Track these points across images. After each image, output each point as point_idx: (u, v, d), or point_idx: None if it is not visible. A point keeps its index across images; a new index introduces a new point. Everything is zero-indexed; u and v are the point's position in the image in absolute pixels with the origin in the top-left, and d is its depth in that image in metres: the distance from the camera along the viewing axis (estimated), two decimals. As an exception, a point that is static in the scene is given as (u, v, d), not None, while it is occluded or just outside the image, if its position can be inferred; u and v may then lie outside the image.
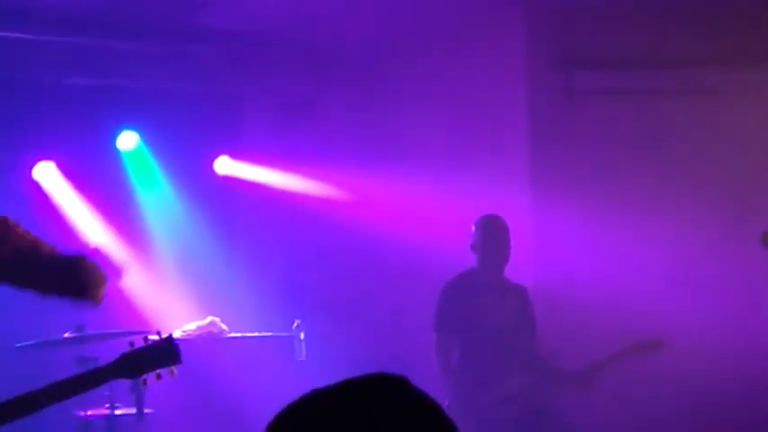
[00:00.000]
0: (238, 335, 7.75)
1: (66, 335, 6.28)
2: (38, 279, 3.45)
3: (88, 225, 8.45)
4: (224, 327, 7.71)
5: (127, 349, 3.43)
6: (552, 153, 8.15)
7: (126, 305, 8.10)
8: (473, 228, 6.96)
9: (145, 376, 3.48)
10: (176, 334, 7.51)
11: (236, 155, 8.99)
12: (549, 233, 8.01)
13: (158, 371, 3.49)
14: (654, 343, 6.88)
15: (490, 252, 6.89)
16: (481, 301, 6.83)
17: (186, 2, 7.50)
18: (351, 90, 8.70)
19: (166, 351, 3.50)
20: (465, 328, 6.79)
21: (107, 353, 6.48)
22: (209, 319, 7.72)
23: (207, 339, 7.52)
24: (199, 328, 7.64)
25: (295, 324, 7.66)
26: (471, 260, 7.02)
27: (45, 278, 3.45)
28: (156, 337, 3.81)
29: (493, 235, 6.89)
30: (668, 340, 6.93)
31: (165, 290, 8.41)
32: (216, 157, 8.97)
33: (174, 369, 3.50)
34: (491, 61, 8.22)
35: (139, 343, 3.45)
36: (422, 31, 8.20)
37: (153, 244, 8.61)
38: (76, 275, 3.52)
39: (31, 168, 8.35)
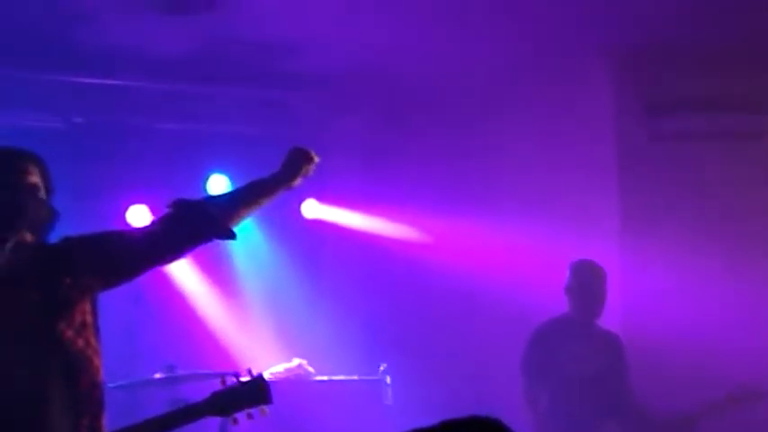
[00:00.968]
0: (325, 378, 7.77)
1: (157, 375, 6.37)
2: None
3: (177, 267, 8.59)
4: (311, 369, 7.74)
5: (219, 387, 3.46)
6: (640, 198, 8.05)
7: (215, 346, 8.22)
8: (568, 272, 6.86)
9: (236, 415, 3.51)
10: (264, 376, 7.59)
11: (322, 198, 9.07)
12: (637, 279, 7.90)
13: (249, 410, 3.52)
14: (753, 394, 6.67)
15: (586, 298, 6.77)
16: (573, 347, 6.71)
17: (274, 48, 7.63)
18: (435, 134, 8.72)
19: (258, 390, 3.53)
20: (555, 375, 6.68)
21: (197, 394, 6.59)
22: (297, 361, 7.76)
23: (294, 382, 7.56)
24: (286, 370, 7.68)
25: (381, 368, 7.65)
26: (555, 303, 6.93)
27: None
28: (247, 377, 3.85)
29: (589, 281, 6.78)
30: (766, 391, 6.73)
31: (252, 331, 8.49)
32: (303, 200, 9.07)
33: (265, 408, 3.52)
34: (578, 106, 8.18)
35: (231, 381, 3.48)
36: (508, 77, 8.20)
37: (241, 286, 8.71)
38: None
39: (125, 212, 8.54)
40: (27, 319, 3.30)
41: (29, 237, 3.37)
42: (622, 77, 8.16)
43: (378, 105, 8.67)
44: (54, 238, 3.55)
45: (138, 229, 3.68)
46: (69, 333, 3.34)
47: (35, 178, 3.37)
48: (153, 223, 3.65)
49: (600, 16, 7.21)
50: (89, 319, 3.43)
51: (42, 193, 3.38)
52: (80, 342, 3.37)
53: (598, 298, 6.76)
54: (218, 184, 8.81)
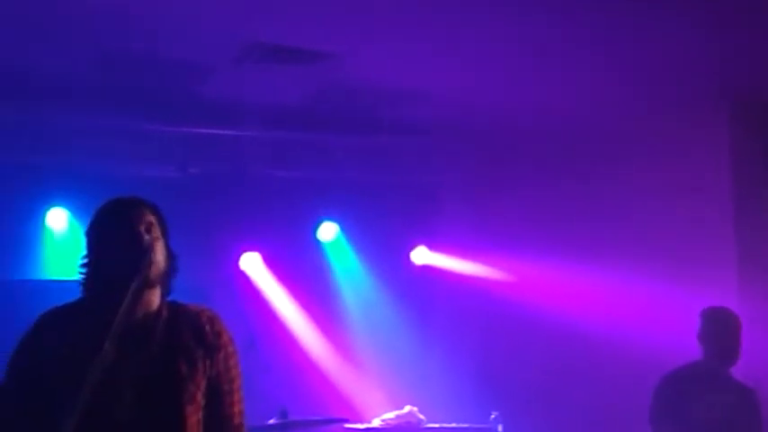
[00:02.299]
0: (436, 425, 7.71)
1: (270, 421, 6.41)
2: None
3: (291, 313, 8.70)
4: (422, 417, 7.69)
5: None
6: (758, 245, 7.83)
7: (327, 392, 8.26)
8: (700, 319, 6.65)
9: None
10: (375, 423, 7.58)
11: (432, 245, 9.09)
12: (755, 327, 7.65)
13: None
14: None
15: (718, 346, 6.55)
16: (705, 396, 6.48)
17: (384, 96, 7.70)
18: (543, 182, 8.66)
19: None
20: (686, 423, 6.45)
21: (310, 440, 6.63)
22: (408, 408, 7.72)
23: (405, 429, 7.52)
24: (398, 417, 7.65)
25: (493, 415, 7.56)
26: (670, 351, 6.75)
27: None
28: (362, 426, 3.84)
29: (725, 329, 6.56)
30: None
31: (364, 378, 8.52)
32: (413, 247, 9.10)
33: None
34: (694, 152, 8.03)
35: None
36: (619, 125, 8.10)
37: (352, 332, 8.76)
38: None
39: (238, 259, 8.70)
40: (153, 374, 3.34)
41: (155, 285, 3.43)
42: (741, 124, 7.97)
43: (486, 153, 8.67)
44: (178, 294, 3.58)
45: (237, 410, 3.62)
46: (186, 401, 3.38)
47: (152, 223, 3.45)
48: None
49: (718, 63, 7.07)
50: (199, 396, 3.46)
51: (159, 237, 3.45)
52: (193, 413, 3.41)
53: (732, 346, 6.53)
54: (329, 232, 8.92)
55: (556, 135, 8.39)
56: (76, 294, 3.47)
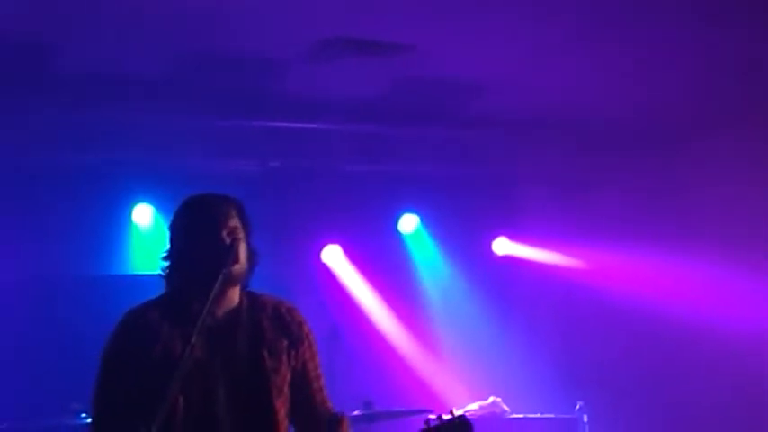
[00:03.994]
0: (520, 416, 7.68)
1: (355, 412, 6.45)
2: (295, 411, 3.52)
3: (373, 305, 8.73)
4: (506, 407, 7.66)
5: (424, 427, 3.46)
6: None
7: (411, 383, 8.28)
8: None
9: (440, 455, 3.49)
10: (458, 413, 7.56)
11: (513, 236, 9.05)
12: None
13: (453, 451, 3.49)
14: None
15: None
16: None
17: (465, 88, 7.67)
18: (626, 172, 8.55)
19: (461, 430, 3.49)
20: None
21: (394, 430, 6.65)
22: (492, 399, 7.70)
23: (489, 420, 7.50)
24: (481, 407, 7.64)
25: (578, 406, 7.50)
26: (753, 340, 6.60)
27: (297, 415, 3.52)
28: (448, 416, 3.82)
29: None
30: None
31: (447, 368, 8.51)
32: (494, 237, 9.07)
33: (468, 450, 3.48)
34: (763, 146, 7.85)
35: (434, 421, 3.47)
36: (706, 116, 7.95)
37: (434, 323, 8.76)
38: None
39: (319, 252, 8.75)
40: (239, 368, 3.38)
41: (237, 284, 3.47)
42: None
43: (568, 144, 8.58)
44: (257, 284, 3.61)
45: (321, 398, 3.62)
46: (275, 394, 3.41)
47: (234, 221, 3.48)
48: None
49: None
50: (286, 388, 3.48)
51: (241, 234, 3.50)
52: (282, 406, 3.44)
53: None
54: (410, 224, 8.92)
55: (638, 125, 8.28)
56: (162, 288, 3.52)
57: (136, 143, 7.64)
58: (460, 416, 3.52)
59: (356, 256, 8.80)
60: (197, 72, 7.10)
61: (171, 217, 3.57)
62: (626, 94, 7.73)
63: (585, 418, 7.47)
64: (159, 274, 3.54)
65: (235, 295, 3.46)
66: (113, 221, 8.15)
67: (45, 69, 6.91)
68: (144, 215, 8.23)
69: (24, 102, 7.17)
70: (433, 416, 3.60)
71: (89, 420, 3.49)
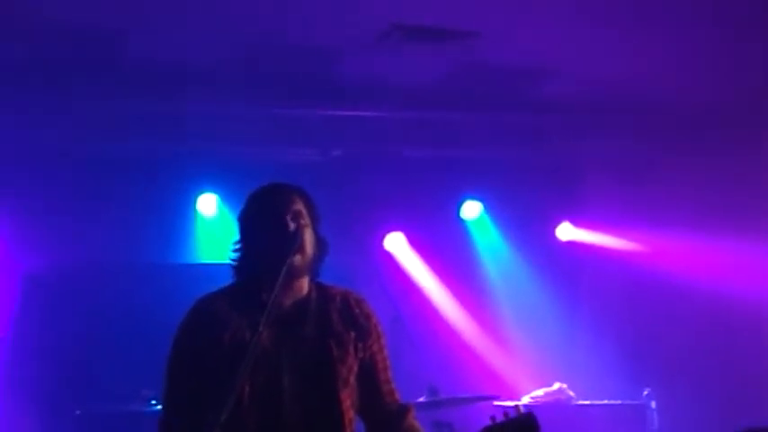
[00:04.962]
0: (587, 402, 7.64)
1: (420, 399, 6.46)
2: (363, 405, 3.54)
3: (436, 292, 8.73)
4: (572, 393, 7.63)
5: (489, 423, 3.44)
6: None
7: (475, 370, 8.27)
8: None
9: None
10: (524, 400, 7.55)
11: (577, 221, 8.98)
12: None
13: (518, 447, 3.46)
14: None
15: None
16: None
17: (526, 73, 7.62)
18: (690, 156, 8.42)
19: (527, 427, 3.46)
20: None
21: (459, 417, 6.66)
22: (557, 385, 7.67)
23: (555, 406, 7.47)
24: (546, 394, 7.61)
25: (645, 392, 7.44)
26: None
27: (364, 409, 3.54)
28: (509, 403, 3.81)
29: None
30: None
31: (511, 355, 8.49)
32: (557, 223, 9.01)
33: (533, 446, 3.45)
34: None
35: (500, 417, 3.44)
36: (762, 98, 7.80)
37: (498, 309, 8.73)
38: None
39: (382, 239, 8.77)
40: (306, 357, 3.41)
41: (304, 272, 3.50)
42: None
43: (632, 128, 8.48)
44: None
45: (388, 390, 3.63)
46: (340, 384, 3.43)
47: (300, 209, 3.49)
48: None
49: None
50: (352, 379, 3.50)
51: (308, 223, 3.51)
52: (347, 396, 3.45)
53: None
54: (472, 210, 8.90)
55: (701, 110, 8.15)
56: (227, 278, 3.56)
57: (200, 132, 7.72)
58: (527, 413, 3.48)
59: (419, 244, 8.81)
60: (262, 61, 7.15)
61: (237, 207, 3.61)
62: (692, 78, 7.62)
63: (653, 405, 7.41)
64: (224, 264, 3.58)
65: (303, 285, 3.48)
66: (178, 210, 8.25)
67: (115, 58, 7.00)
68: (208, 204, 8.31)
69: (93, 90, 7.27)
70: (499, 403, 3.59)
71: (159, 407, 3.55)
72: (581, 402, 7.63)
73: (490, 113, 8.31)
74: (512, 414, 3.46)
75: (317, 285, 3.54)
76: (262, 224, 3.45)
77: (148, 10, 6.30)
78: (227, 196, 8.18)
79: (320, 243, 3.52)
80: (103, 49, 6.86)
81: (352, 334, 3.48)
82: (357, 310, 3.53)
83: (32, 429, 7.25)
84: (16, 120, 7.38)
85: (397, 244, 8.84)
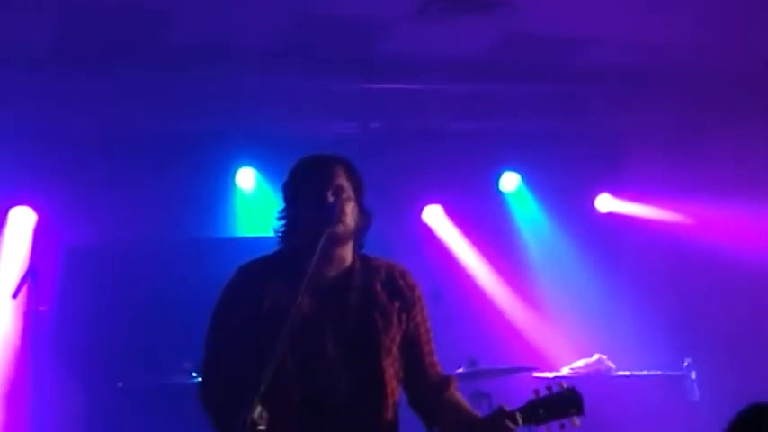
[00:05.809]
0: (626, 373, 7.62)
1: (459, 370, 6.48)
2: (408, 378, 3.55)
3: (475, 264, 8.73)
4: (611, 365, 7.61)
5: (533, 397, 3.46)
6: None
7: (515, 340, 8.27)
8: None
9: (549, 424, 3.49)
10: (564, 371, 7.55)
11: (616, 192, 8.93)
12: None
13: (562, 420, 3.49)
14: None
15: None
16: None
17: (569, 43, 7.56)
18: (732, 128, 8.32)
19: (571, 401, 3.49)
20: None
21: (498, 388, 6.67)
22: (597, 356, 7.66)
23: (594, 377, 7.46)
24: (586, 365, 7.61)
25: (685, 363, 7.41)
26: None
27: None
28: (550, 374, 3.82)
29: None
30: None
31: (550, 326, 8.48)
32: (597, 195, 8.96)
33: (577, 420, 3.47)
34: None
35: (543, 392, 3.47)
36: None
37: (537, 281, 8.71)
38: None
39: (420, 213, 8.77)
40: (350, 327, 3.43)
41: (345, 242, 3.50)
42: None
43: (674, 98, 8.40)
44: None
45: (430, 361, 3.63)
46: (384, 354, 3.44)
47: (341, 180, 3.51)
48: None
49: None
50: (395, 350, 3.51)
51: (349, 195, 3.50)
52: (390, 366, 3.47)
53: None
54: (511, 182, 8.87)
55: (745, 79, 8.05)
56: (265, 251, 3.59)
57: (239, 107, 7.74)
58: (570, 387, 3.50)
59: (457, 216, 8.80)
60: (303, 34, 7.15)
61: (276, 181, 3.63)
62: (737, 45, 7.51)
63: (694, 375, 7.38)
64: (262, 237, 3.61)
65: (346, 255, 3.51)
66: (217, 185, 8.29)
67: (156, 36, 7.04)
68: (247, 178, 8.34)
69: (135, 68, 7.33)
70: (539, 374, 3.60)
71: (199, 379, 3.59)
72: (621, 373, 7.62)
73: (530, 84, 8.26)
74: (555, 389, 3.48)
75: (360, 257, 3.56)
76: (303, 195, 3.48)
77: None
78: (265, 170, 8.21)
79: (363, 215, 3.53)
80: (145, 28, 6.91)
81: (397, 304, 3.50)
82: (402, 282, 3.56)
83: (76, 402, 7.36)
84: (60, 99, 7.46)
85: (435, 216, 8.83)
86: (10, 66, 7.09)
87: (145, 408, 6.80)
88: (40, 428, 6.98)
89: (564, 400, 3.48)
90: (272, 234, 3.60)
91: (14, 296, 6.14)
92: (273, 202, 3.62)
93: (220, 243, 8.13)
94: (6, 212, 7.78)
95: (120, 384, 7.01)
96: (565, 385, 3.51)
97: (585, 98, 8.45)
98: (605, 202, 8.98)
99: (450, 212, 8.81)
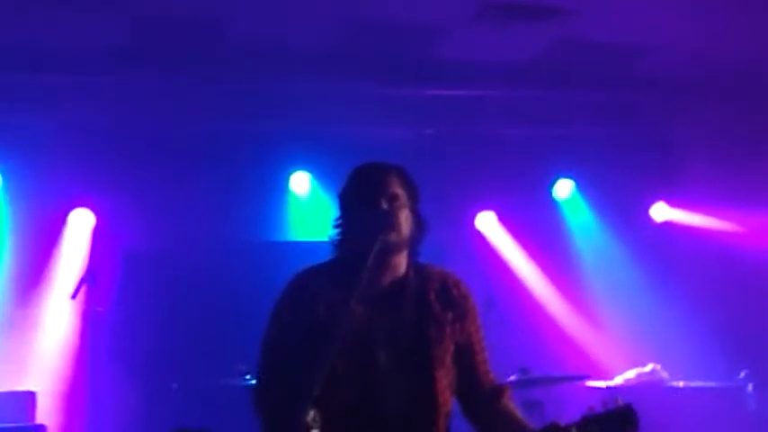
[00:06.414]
0: (680, 384, 7.53)
1: (511, 378, 6.46)
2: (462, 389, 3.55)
3: (528, 272, 8.69)
4: (665, 375, 7.53)
5: (587, 412, 3.42)
6: None
7: (567, 349, 8.22)
8: None
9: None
10: (617, 380, 7.49)
11: (672, 201, 8.84)
12: None
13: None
14: None
15: None
16: None
17: (622, 50, 7.51)
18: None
19: (626, 419, 3.43)
20: None
21: (550, 396, 6.63)
22: (650, 366, 7.59)
23: (648, 387, 7.39)
24: (639, 375, 7.54)
25: (742, 374, 7.31)
26: None
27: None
28: (603, 383, 3.78)
29: None
30: None
31: (603, 335, 8.41)
32: (652, 203, 8.89)
33: (632, 438, 3.42)
34: None
35: (598, 407, 3.42)
36: None
37: (590, 289, 8.65)
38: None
39: (473, 218, 8.76)
40: (403, 336, 3.43)
41: (400, 251, 3.49)
42: None
43: (731, 106, 8.30)
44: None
45: (484, 370, 3.63)
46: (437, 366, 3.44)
47: (396, 188, 3.49)
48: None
49: None
50: (448, 360, 3.51)
51: (404, 202, 3.48)
52: (443, 377, 3.46)
53: None
54: (565, 189, 8.82)
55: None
56: (318, 255, 3.60)
57: (294, 110, 7.80)
58: (627, 405, 3.45)
59: (510, 223, 8.77)
60: (360, 40, 7.19)
61: (329, 185, 3.65)
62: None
63: (750, 387, 7.27)
64: (316, 242, 3.62)
65: (401, 264, 3.50)
66: (271, 189, 8.35)
67: (216, 40, 7.13)
68: (301, 183, 8.39)
69: (193, 72, 7.44)
70: (592, 383, 3.56)
71: (253, 381, 3.62)
72: (675, 384, 7.53)
73: (586, 91, 8.23)
74: (610, 404, 3.43)
75: (415, 265, 3.56)
76: (358, 202, 3.48)
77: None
78: (319, 174, 8.25)
79: (418, 222, 3.53)
80: (207, 33, 6.99)
81: (450, 315, 3.49)
82: (455, 291, 3.54)
83: (131, 402, 7.45)
84: (119, 103, 7.59)
85: (488, 223, 8.82)
86: (79, 69, 7.25)
87: (199, 409, 6.86)
88: (96, 427, 7.09)
89: (619, 417, 3.42)
90: (325, 238, 3.61)
91: (73, 297, 6.23)
92: (327, 207, 3.65)
93: (274, 247, 8.18)
94: (67, 214, 7.92)
95: (174, 385, 7.08)
96: (620, 402, 3.45)
97: (642, 105, 8.39)
98: (661, 211, 8.90)
99: (504, 219, 8.79)
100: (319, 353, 3.11)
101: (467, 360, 3.52)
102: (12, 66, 7.19)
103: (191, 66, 7.36)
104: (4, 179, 7.87)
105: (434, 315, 3.46)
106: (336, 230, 3.54)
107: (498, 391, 3.57)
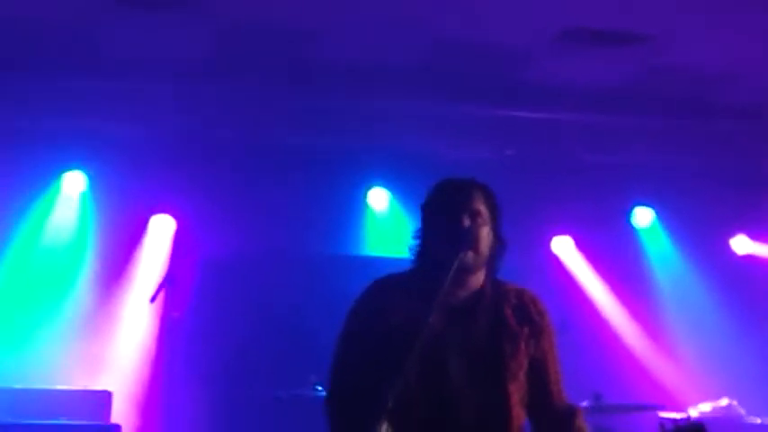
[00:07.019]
0: (758, 420, 7.38)
1: (584, 403, 6.40)
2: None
3: (603, 298, 8.62)
4: (742, 411, 7.39)
5: (658, 430, 3.38)
6: None
7: (640, 377, 8.12)
8: None
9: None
10: (691, 413, 7.36)
11: (754, 234, 8.70)
12: None
13: (688, 457, 3.40)
14: None
15: None
16: None
17: (708, 78, 7.43)
18: None
19: (698, 434, 3.39)
20: None
21: (622, 424, 6.56)
22: (726, 401, 7.45)
23: (724, 422, 7.25)
24: (714, 409, 7.41)
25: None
26: None
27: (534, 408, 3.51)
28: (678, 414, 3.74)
29: None
30: None
31: (678, 365, 8.29)
32: (733, 235, 8.76)
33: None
34: None
35: (669, 425, 3.38)
36: None
37: (667, 319, 8.54)
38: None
39: (549, 242, 8.71)
40: (476, 348, 3.43)
41: (478, 269, 3.49)
42: None
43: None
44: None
45: (557, 389, 3.60)
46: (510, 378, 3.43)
47: (479, 205, 3.48)
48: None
49: None
50: (521, 375, 3.50)
51: (485, 220, 3.47)
52: (516, 391, 3.45)
53: None
54: (644, 218, 8.74)
55: None
56: (394, 271, 3.61)
57: (375, 127, 7.84)
58: (698, 422, 3.40)
59: (587, 249, 8.71)
60: (441, 58, 7.22)
61: (408, 202, 3.67)
62: None
63: (828, 427, 7.10)
64: (391, 258, 3.64)
65: (478, 280, 3.49)
66: (350, 205, 8.41)
67: (303, 56, 7.22)
68: (379, 199, 8.44)
69: (277, 85, 7.53)
70: (664, 414, 3.53)
71: (324, 392, 3.64)
72: (752, 420, 7.39)
73: (669, 118, 8.14)
74: (681, 421, 3.39)
75: (493, 281, 3.56)
76: (440, 216, 3.48)
77: (340, 11, 6.47)
78: (397, 191, 8.28)
79: (498, 241, 3.53)
80: (294, 46, 7.08)
81: (525, 330, 3.48)
82: (532, 308, 3.52)
83: (204, 408, 7.55)
84: (203, 114, 7.72)
85: (564, 247, 8.77)
86: (167, 78, 7.37)
87: (270, 417, 6.93)
88: (169, 430, 7.19)
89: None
90: (400, 255, 3.62)
91: (152, 300, 6.34)
92: (403, 224, 3.66)
93: (349, 260, 8.22)
94: (148, 219, 8.08)
95: (247, 395, 7.16)
96: (692, 420, 3.42)
97: (727, 135, 8.27)
98: (742, 244, 8.76)
99: (580, 244, 8.73)
100: (394, 365, 3.12)
101: (540, 377, 3.50)
102: (100, 73, 7.36)
103: (277, 77, 7.45)
104: (91, 183, 8.06)
105: (509, 329, 3.45)
106: (416, 241, 3.56)
107: (572, 411, 3.53)
